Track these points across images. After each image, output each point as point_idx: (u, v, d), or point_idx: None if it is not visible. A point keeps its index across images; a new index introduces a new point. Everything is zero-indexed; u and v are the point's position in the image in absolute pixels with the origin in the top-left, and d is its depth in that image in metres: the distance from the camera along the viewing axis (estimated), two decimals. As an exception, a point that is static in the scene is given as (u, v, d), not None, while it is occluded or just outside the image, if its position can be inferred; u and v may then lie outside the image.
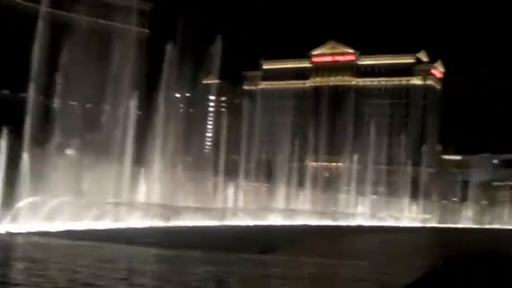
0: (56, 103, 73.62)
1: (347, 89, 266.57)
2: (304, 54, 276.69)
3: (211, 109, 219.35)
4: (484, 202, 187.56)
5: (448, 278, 23.70)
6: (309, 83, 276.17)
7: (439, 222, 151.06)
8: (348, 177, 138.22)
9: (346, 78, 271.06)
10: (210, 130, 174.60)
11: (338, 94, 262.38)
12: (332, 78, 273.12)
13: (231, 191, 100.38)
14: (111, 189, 68.90)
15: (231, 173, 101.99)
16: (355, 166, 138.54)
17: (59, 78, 72.73)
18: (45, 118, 67.47)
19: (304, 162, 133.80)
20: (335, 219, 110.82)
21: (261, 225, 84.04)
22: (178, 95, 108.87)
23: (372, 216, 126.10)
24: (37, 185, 56.17)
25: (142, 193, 75.75)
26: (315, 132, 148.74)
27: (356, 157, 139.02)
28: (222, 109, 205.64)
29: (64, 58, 72.18)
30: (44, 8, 71.34)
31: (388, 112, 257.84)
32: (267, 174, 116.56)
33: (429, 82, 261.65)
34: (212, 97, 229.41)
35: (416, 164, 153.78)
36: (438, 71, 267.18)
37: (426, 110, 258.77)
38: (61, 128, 68.60)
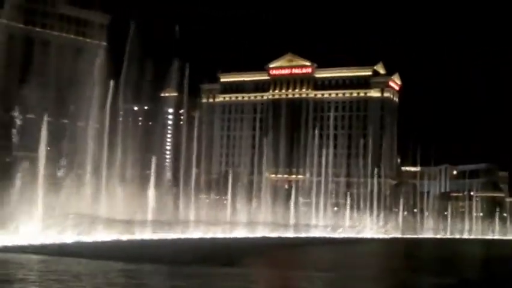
0: (16, 116, 72.62)
1: (305, 101, 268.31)
2: (262, 67, 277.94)
3: (169, 122, 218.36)
4: (445, 213, 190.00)
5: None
6: (267, 95, 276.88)
7: (401, 234, 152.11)
8: (308, 189, 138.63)
9: (304, 90, 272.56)
10: (168, 143, 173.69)
11: (296, 107, 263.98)
12: (290, 91, 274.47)
13: (191, 204, 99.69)
14: (72, 203, 67.84)
15: (191, 186, 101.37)
16: (315, 178, 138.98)
17: (16, 92, 71.85)
18: (5, 130, 66.52)
19: (263, 174, 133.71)
20: (296, 231, 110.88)
21: (222, 238, 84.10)
22: (136, 108, 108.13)
23: (333, 228, 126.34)
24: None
25: (103, 207, 74.68)
26: (275, 145, 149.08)
27: (315, 169, 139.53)
28: (181, 122, 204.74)
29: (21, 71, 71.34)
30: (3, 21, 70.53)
31: (347, 124, 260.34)
32: (227, 186, 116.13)
33: (386, 94, 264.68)
34: (170, 110, 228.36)
35: (376, 175, 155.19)
36: (395, 83, 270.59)
37: (384, 122, 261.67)
38: (20, 141, 67.62)
